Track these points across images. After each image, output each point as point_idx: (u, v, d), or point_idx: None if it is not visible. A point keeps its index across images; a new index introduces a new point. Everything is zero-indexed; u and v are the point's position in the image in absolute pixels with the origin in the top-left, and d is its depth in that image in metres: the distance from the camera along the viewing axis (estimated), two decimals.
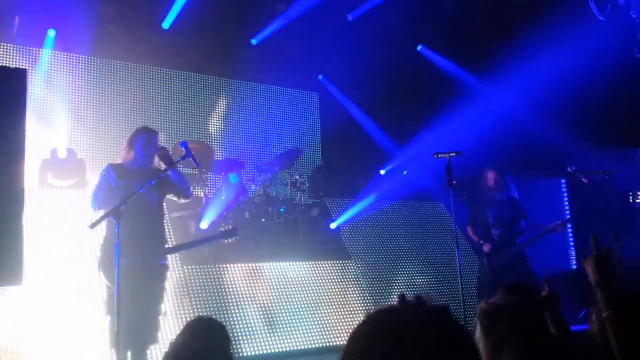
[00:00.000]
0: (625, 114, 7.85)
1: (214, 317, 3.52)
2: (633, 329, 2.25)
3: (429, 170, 7.93)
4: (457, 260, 5.80)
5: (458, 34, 8.60)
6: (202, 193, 7.30)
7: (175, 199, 4.87)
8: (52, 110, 7.21)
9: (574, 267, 8.43)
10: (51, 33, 7.33)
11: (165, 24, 8.05)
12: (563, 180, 8.56)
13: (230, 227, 4.90)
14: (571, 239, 8.45)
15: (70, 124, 7.37)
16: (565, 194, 8.56)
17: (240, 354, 5.82)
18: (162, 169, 4.63)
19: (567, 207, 8.52)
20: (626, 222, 7.55)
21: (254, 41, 8.75)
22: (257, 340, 6.01)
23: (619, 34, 7.48)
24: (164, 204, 4.96)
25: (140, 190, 4.29)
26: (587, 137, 7.53)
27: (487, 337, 2.26)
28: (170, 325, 5.66)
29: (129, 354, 4.45)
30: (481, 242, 6.38)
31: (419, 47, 9.35)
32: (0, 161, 3.48)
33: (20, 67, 4.12)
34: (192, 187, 7.40)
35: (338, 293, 6.94)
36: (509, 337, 2.21)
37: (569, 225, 8.14)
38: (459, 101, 8.19)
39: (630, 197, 7.97)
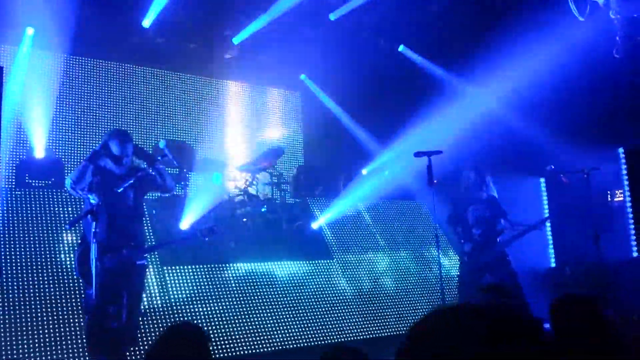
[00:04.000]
0: (604, 113, 7.93)
1: (189, 320, 3.50)
2: None
3: (411, 169, 7.95)
4: (437, 259, 5.84)
5: (439, 34, 8.63)
6: (182, 193, 7.26)
7: (158, 194, 4.83)
8: (30, 110, 7.12)
9: (553, 265, 8.50)
10: (29, 31, 7.23)
11: (146, 23, 7.98)
12: (542, 179, 8.63)
13: (209, 226, 4.87)
14: (550, 237, 8.52)
15: (49, 124, 7.28)
16: (545, 193, 8.63)
17: (222, 355, 5.79)
18: (142, 167, 4.59)
19: (546, 206, 8.60)
20: (605, 221, 7.63)
21: (235, 40, 8.72)
22: (240, 340, 5.99)
23: (598, 34, 7.57)
24: (143, 203, 4.92)
25: (117, 190, 4.25)
26: (566, 136, 7.59)
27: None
28: (149, 326, 5.62)
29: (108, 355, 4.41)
30: (462, 241, 6.42)
31: (401, 48, 9.37)
32: None
33: None
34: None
35: (320, 292, 6.95)
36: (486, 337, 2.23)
37: (548, 224, 8.21)
38: (441, 100, 8.22)
39: (609, 196, 8.06)
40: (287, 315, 6.49)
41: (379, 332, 6.92)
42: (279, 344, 6.19)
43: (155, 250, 4.59)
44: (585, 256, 7.20)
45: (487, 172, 6.66)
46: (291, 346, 6.24)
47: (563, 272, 7.98)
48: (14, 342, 5.00)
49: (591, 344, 2.50)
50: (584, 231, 6.98)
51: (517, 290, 6.21)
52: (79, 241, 4.70)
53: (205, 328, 5.87)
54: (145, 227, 5.49)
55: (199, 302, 6.09)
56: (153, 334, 5.60)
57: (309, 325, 6.54)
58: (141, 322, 5.34)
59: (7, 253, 5.48)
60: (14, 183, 6.65)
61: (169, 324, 5.63)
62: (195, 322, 5.86)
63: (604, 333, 2.53)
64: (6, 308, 5.16)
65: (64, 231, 4.66)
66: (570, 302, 2.70)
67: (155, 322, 5.70)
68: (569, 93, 7.70)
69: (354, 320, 6.86)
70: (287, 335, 6.32)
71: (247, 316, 6.23)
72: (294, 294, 6.76)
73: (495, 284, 3.41)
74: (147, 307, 5.61)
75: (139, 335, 5.00)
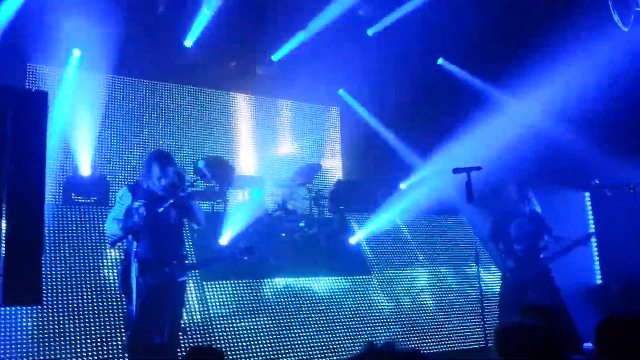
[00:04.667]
0: None
1: (213, 345, 3.54)
2: None
3: (451, 184, 7.86)
4: (477, 275, 5.75)
5: (479, 46, 8.55)
6: (222, 209, 7.35)
7: (188, 222, 4.93)
8: (76, 129, 7.36)
9: (599, 282, 8.25)
10: (76, 52, 7.50)
11: (188, 43, 8.17)
12: (587, 194, 8.41)
13: (247, 245, 4.93)
14: (596, 253, 8.28)
15: (94, 142, 7.51)
16: (590, 208, 8.40)
17: None
18: (184, 185, 4.67)
19: (591, 221, 8.36)
20: None
21: (274, 57, 8.84)
22: (277, 356, 6.01)
23: None
24: (185, 220, 5.00)
25: (158, 210, 4.35)
26: (612, 148, 7.39)
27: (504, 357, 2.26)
28: (189, 342, 5.69)
29: None
30: (503, 256, 6.30)
31: (440, 61, 9.32)
32: (21, 181, 3.57)
33: (42, 89, 4.22)
34: (213, 202, 7.50)
35: (358, 308, 6.91)
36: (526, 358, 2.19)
37: (594, 240, 7.99)
38: (482, 113, 8.12)
39: None
40: (325, 331, 6.47)
41: (419, 348, 6.83)
42: (316, 359, 6.19)
43: (196, 269, 4.68)
44: (633, 273, 6.97)
45: (529, 186, 6.53)
46: None
47: (610, 289, 7.74)
48: (60, 358, 5.14)
49: None
50: (631, 247, 6.77)
51: (561, 309, 6.06)
52: (123, 257, 4.81)
53: (243, 343, 5.92)
54: (187, 244, 5.57)
55: (238, 317, 6.14)
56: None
57: (346, 341, 6.51)
58: (181, 338, 5.41)
59: (54, 268, 5.65)
60: (61, 200, 6.87)
61: (205, 341, 5.70)
62: (234, 337, 5.92)
63: None
64: (51, 325, 5.31)
65: (107, 249, 4.78)
66: (617, 323, 2.64)
67: (194, 338, 5.77)
68: (613, 104, 7.50)
69: (392, 337, 6.79)
70: (324, 351, 6.30)
71: (285, 331, 6.24)
72: (332, 310, 6.74)
73: (537, 305, 3.33)
74: (187, 322, 5.69)
75: (179, 351, 5.07)
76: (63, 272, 5.68)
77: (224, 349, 5.64)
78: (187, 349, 5.58)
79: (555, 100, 7.72)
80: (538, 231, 6.35)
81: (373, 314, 6.95)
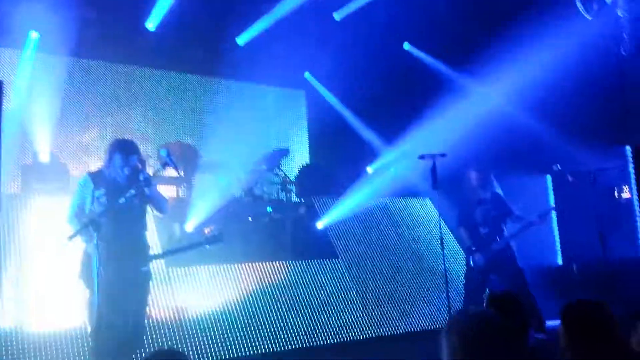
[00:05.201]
0: (612, 111, 7.87)
1: (175, 349, 3.54)
2: None
3: (416, 167, 7.93)
4: (442, 258, 5.85)
5: (445, 32, 8.57)
6: (187, 194, 7.27)
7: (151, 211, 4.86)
8: (35, 114, 7.14)
9: (560, 262, 8.48)
10: (34, 34, 7.25)
11: (150, 25, 7.98)
12: (549, 177, 8.58)
13: (215, 232, 4.88)
14: (557, 234, 8.49)
15: (53, 128, 7.30)
16: (551, 190, 8.58)
17: (227, 356, 5.82)
18: (142, 178, 4.57)
19: (552, 203, 8.54)
20: (612, 218, 7.59)
21: (239, 40, 8.71)
22: (245, 341, 6.02)
23: (606, 32, 7.50)
24: (148, 207, 4.92)
25: (119, 201, 4.28)
26: (573, 133, 7.54)
27: None
28: (155, 329, 5.65)
29: None
30: (473, 248, 6.38)
31: (406, 45, 9.33)
32: None
33: None
34: (177, 188, 7.41)
35: (325, 292, 6.96)
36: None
37: (555, 220, 8.19)
38: (447, 99, 8.18)
39: (616, 193, 8.01)
40: (292, 316, 6.51)
41: (384, 331, 6.93)
42: (284, 344, 6.22)
43: (160, 258, 4.61)
44: (592, 254, 7.17)
45: (489, 171, 6.62)
46: (296, 346, 6.27)
47: (570, 270, 7.96)
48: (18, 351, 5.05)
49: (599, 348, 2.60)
50: (590, 228, 6.95)
51: (523, 289, 6.21)
52: (84, 247, 4.70)
53: (210, 330, 5.91)
54: (150, 232, 5.49)
55: (204, 303, 6.11)
56: (159, 337, 5.63)
57: (314, 325, 6.56)
58: (147, 325, 5.36)
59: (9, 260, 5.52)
60: (20, 188, 6.68)
61: (171, 328, 5.67)
62: (200, 324, 5.89)
63: (610, 336, 2.64)
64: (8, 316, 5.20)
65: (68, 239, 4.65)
66: (581, 308, 2.77)
67: (160, 325, 5.73)
68: (576, 91, 7.64)
69: (359, 319, 6.88)
70: (292, 335, 6.34)
71: (252, 317, 6.25)
72: (300, 294, 6.78)
73: (500, 296, 3.39)
74: (152, 309, 5.63)
75: (144, 338, 5.03)
76: (20, 263, 5.55)
77: (192, 349, 5.60)
78: (153, 336, 5.55)
79: (519, 87, 7.82)
80: (501, 214, 6.48)
81: (340, 297, 7.00)
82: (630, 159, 7.88)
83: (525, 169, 8.13)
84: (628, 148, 7.94)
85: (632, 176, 7.82)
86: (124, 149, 4.60)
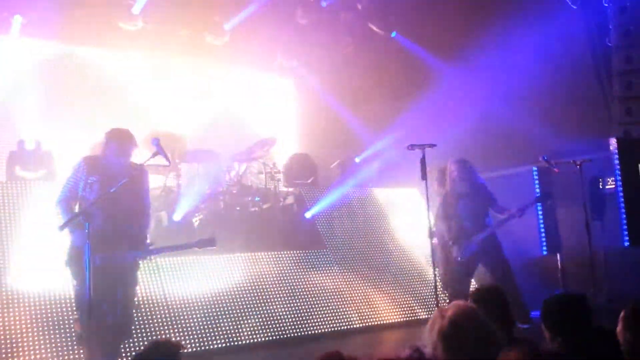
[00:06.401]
0: (597, 101, 7.93)
1: (171, 339, 3.55)
2: None
3: (405, 157, 7.93)
4: (430, 248, 5.84)
5: (432, 22, 8.57)
6: (175, 183, 7.22)
7: None
8: (19, 100, 7.03)
9: (544, 253, 8.55)
10: (17, 19, 7.12)
11: (136, 9, 7.88)
12: (534, 168, 8.63)
13: (208, 238, 4.86)
14: (542, 225, 8.55)
15: (38, 114, 7.19)
16: (537, 181, 8.63)
17: (215, 346, 5.81)
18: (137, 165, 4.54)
19: (538, 195, 8.60)
20: (597, 208, 7.66)
21: (227, 26, 8.63)
22: (233, 331, 6.01)
23: (591, 22, 7.55)
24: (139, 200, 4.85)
25: (111, 190, 4.23)
26: (558, 124, 7.60)
27: None
28: (143, 318, 5.62)
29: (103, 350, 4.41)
30: (451, 243, 6.33)
31: (394, 34, 9.31)
32: None
33: None
34: (165, 177, 7.35)
35: (313, 282, 6.95)
36: None
37: (539, 210, 8.24)
38: (434, 89, 8.19)
39: (600, 183, 8.07)
40: (280, 305, 6.50)
41: (372, 321, 6.95)
42: (272, 334, 6.22)
43: (150, 255, 4.56)
44: (577, 245, 7.24)
45: (469, 162, 6.57)
46: (283, 336, 6.27)
47: (554, 261, 8.03)
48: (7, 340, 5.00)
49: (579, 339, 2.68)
50: (575, 219, 7.01)
51: (508, 279, 6.25)
52: (71, 236, 4.64)
53: (199, 319, 5.89)
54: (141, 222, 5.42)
55: (193, 293, 6.09)
56: (146, 327, 5.61)
57: (302, 315, 6.56)
58: (135, 315, 5.33)
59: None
60: (4, 176, 6.59)
61: (159, 318, 5.64)
62: (189, 314, 5.87)
63: (589, 327, 2.74)
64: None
65: (56, 224, 4.59)
66: (562, 302, 2.83)
67: (148, 314, 5.70)
68: (562, 81, 7.68)
69: (347, 309, 6.89)
70: (281, 325, 6.34)
71: (240, 306, 6.24)
72: (287, 284, 6.77)
73: (485, 290, 3.41)
74: (140, 299, 5.60)
75: (132, 328, 5.00)
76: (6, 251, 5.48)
77: (180, 339, 5.57)
78: (141, 325, 5.53)
79: (506, 77, 7.85)
80: (485, 204, 6.47)
81: (328, 287, 7.01)
82: (615, 150, 7.94)
83: (511, 160, 8.16)
84: (613, 139, 8.00)
85: (617, 168, 7.89)
86: (120, 138, 4.57)
